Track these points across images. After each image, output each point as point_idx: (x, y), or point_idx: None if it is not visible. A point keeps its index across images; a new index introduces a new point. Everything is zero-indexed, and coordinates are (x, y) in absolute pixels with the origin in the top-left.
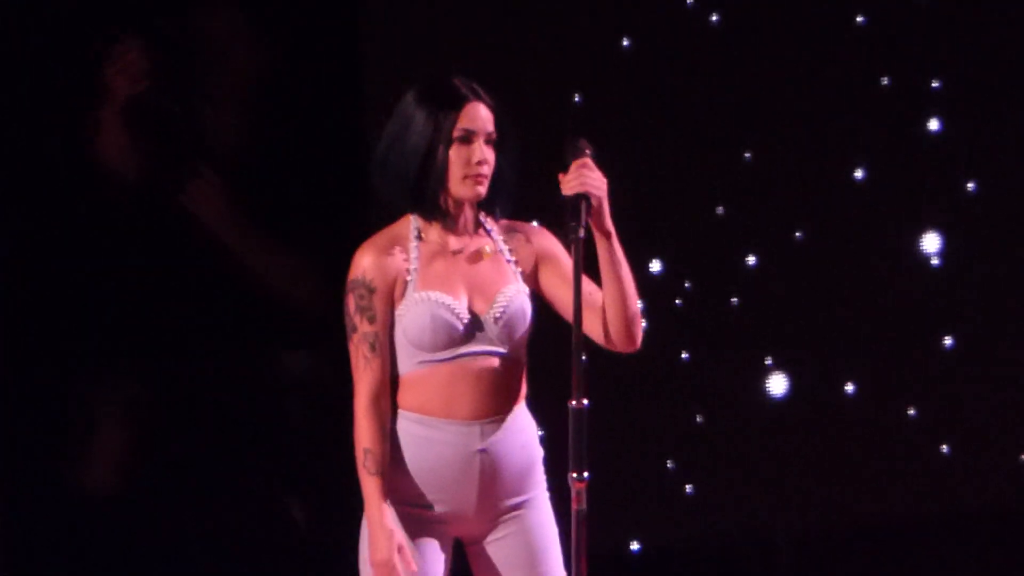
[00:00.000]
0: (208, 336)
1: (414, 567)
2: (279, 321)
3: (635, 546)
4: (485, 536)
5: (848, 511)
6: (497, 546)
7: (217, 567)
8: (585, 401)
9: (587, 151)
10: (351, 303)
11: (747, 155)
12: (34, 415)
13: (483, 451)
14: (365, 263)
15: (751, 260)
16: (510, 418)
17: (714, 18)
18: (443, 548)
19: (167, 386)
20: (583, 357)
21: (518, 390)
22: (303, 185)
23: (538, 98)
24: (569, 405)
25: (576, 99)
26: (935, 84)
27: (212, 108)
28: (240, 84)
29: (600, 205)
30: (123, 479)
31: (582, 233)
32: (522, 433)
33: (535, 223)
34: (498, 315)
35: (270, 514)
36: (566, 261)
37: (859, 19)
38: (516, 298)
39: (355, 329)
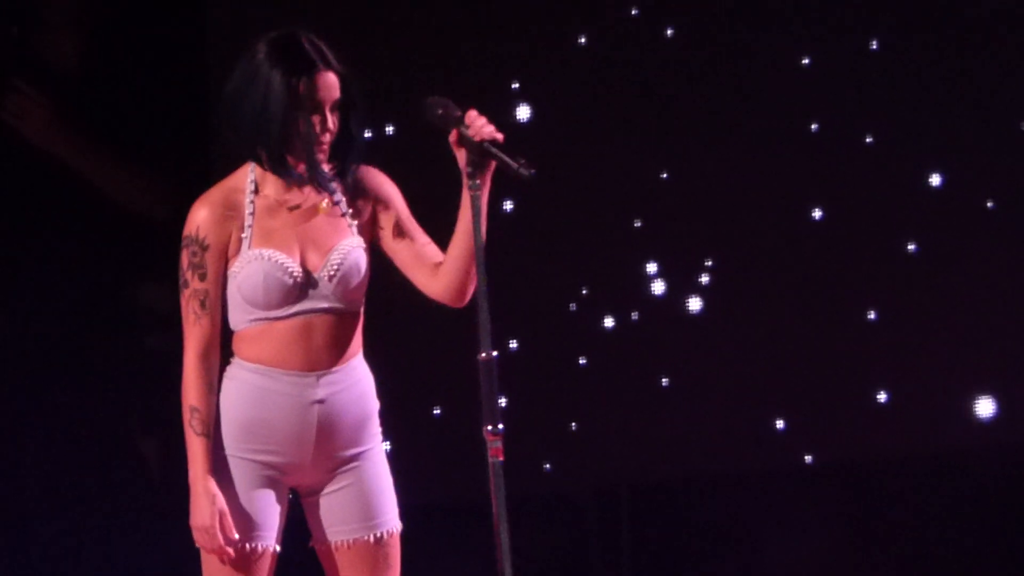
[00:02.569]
0: (59, 262)
1: (234, 535)
2: (132, 247)
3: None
4: (321, 487)
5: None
6: (333, 497)
7: (69, 505)
8: (494, 353)
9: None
10: (184, 259)
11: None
12: None
13: (320, 402)
14: (199, 219)
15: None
16: (347, 370)
17: None
18: (279, 499)
19: (15, 315)
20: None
21: (355, 343)
22: (144, 104)
23: (384, 46)
24: (478, 358)
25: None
26: None
27: (44, 30)
28: (79, 6)
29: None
30: None
31: (529, 172)
32: (358, 385)
33: (374, 169)
34: (332, 272)
35: (124, 450)
36: (403, 211)
37: None
38: (351, 254)
39: (187, 285)
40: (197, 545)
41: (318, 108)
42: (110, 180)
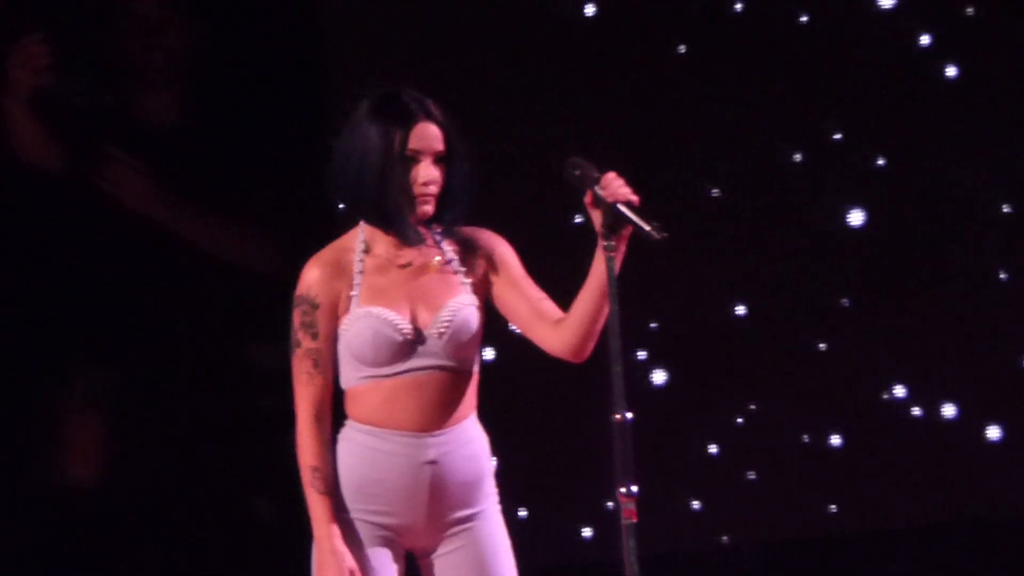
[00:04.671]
0: (170, 327)
1: None
2: (241, 310)
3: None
4: (436, 549)
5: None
6: (448, 559)
7: (185, 565)
8: (629, 414)
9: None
10: (296, 318)
11: None
12: None
13: (432, 463)
14: (310, 278)
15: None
16: (459, 430)
17: None
18: (395, 560)
19: (129, 381)
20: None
21: (468, 402)
22: (252, 159)
23: (496, 105)
24: (612, 419)
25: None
26: None
27: (142, 90)
28: (178, 63)
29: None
30: (89, 476)
31: (661, 235)
32: (471, 445)
33: (487, 230)
34: (443, 329)
35: (238, 511)
36: (517, 268)
37: None
38: (461, 311)
39: (299, 345)
40: None
41: (418, 159)
42: (219, 241)
